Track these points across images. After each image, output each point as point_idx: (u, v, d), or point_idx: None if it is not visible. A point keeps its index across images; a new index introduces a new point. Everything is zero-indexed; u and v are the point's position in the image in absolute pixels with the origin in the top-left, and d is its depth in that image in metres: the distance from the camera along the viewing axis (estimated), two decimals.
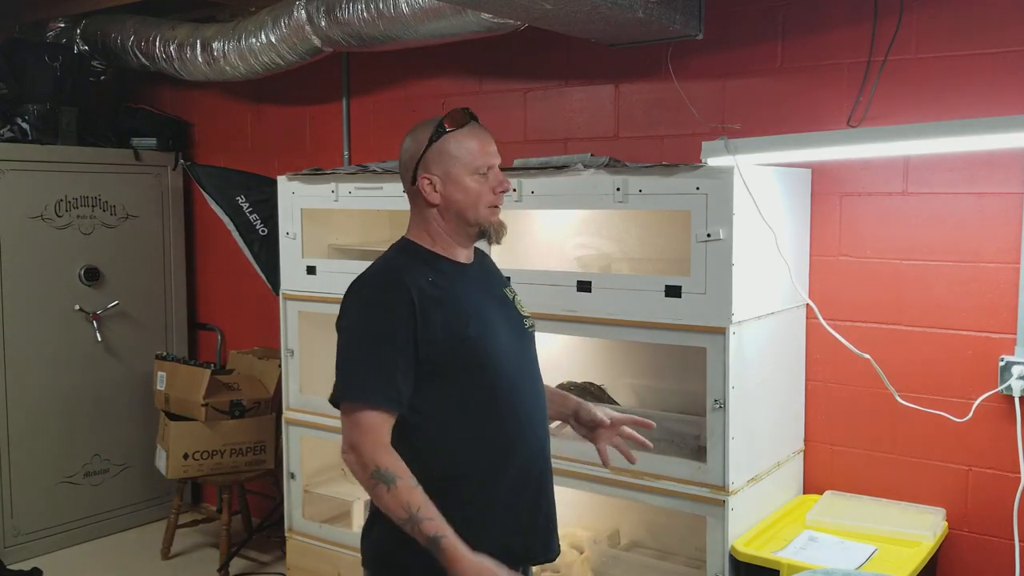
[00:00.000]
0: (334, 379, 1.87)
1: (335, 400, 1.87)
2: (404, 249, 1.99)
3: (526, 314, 2.08)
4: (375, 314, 1.85)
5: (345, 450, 1.84)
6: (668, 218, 3.01)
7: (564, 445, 2.72)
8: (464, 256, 2.01)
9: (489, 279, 2.08)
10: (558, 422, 2.26)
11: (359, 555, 2.00)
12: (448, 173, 1.93)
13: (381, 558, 1.95)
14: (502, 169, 2.02)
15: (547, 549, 2.03)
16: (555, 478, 2.11)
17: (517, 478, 1.94)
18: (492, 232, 1.98)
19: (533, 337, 2.07)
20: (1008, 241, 2.62)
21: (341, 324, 1.90)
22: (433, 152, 1.93)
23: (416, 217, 2.00)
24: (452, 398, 1.89)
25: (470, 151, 1.93)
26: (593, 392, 3.06)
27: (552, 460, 2.08)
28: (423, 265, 1.93)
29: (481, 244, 2.07)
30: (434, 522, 1.76)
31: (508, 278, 2.25)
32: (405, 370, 1.83)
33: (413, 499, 1.77)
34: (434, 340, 1.84)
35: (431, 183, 1.93)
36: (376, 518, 1.92)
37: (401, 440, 1.84)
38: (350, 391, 1.83)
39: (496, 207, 1.98)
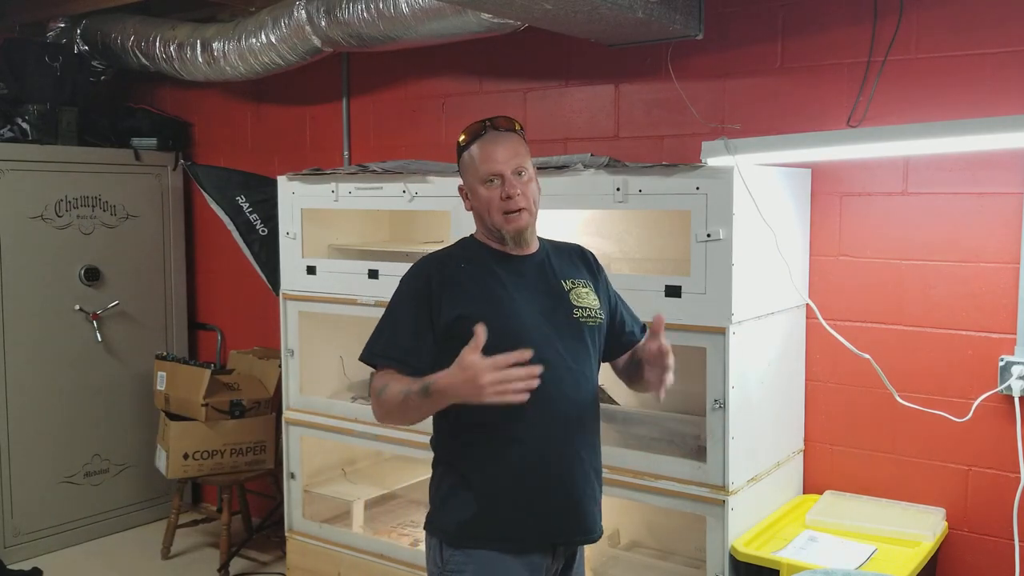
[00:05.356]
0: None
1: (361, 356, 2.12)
2: (461, 240, 2.19)
3: (581, 304, 2.10)
4: (399, 292, 2.10)
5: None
6: (668, 218, 3.01)
7: None
8: (517, 249, 2.10)
9: (544, 271, 2.12)
10: None
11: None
12: (468, 184, 2.10)
13: (429, 521, 2.12)
14: None
15: (581, 529, 2.10)
16: None
17: (529, 459, 2.00)
18: (508, 238, 2.06)
19: (582, 327, 2.09)
20: (1008, 241, 2.62)
21: None
22: (460, 166, 2.13)
23: None
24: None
25: (475, 163, 2.06)
26: None
27: None
28: (466, 252, 2.12)
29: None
30: (416, 382, 1.92)
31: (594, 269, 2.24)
32: (414, 333, 2.02)
33: (400, 387, 1.95)
34: (455, 310, 2.00)
35: (463, 193, 2.14)
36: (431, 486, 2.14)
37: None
38: (366, 353, 2.08)
39: (510, 213, 2.03)
